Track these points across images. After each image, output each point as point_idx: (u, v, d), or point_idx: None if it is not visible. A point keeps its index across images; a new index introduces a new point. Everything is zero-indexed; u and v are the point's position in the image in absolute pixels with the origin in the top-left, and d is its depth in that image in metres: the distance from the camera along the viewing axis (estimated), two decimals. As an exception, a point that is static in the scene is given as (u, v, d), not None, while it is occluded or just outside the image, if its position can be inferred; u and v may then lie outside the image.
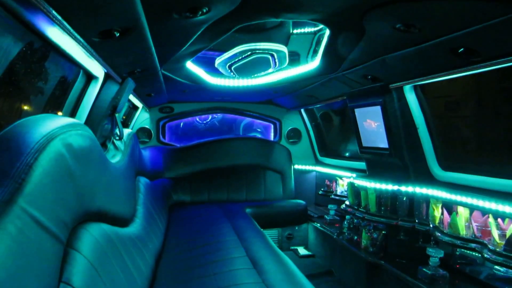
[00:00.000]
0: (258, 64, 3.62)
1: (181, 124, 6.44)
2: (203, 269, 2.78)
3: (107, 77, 2.83)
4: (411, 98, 3.43)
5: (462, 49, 2.36)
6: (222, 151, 5.80)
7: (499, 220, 2.69)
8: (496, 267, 2.95)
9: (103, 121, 3.02)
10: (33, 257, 1.15)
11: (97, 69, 2.64)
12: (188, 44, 2.72)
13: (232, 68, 3.64)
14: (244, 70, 3.75)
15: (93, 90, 2.79)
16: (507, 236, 2.61)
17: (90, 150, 1.75)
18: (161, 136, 6.00)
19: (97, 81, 2.77)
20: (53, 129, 1.42)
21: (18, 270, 1.05)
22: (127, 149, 3.29)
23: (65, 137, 1.47)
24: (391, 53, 2.77)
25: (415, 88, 3.40)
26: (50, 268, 1.26)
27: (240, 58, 3.42)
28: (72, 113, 2.75)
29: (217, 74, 4.33)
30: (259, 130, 6.67)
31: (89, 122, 2.84)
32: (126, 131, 3.72)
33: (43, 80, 2.16)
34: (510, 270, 2.91)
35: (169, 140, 6.18)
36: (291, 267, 2.80)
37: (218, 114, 6.52)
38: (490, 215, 2.76)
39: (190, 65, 3.81)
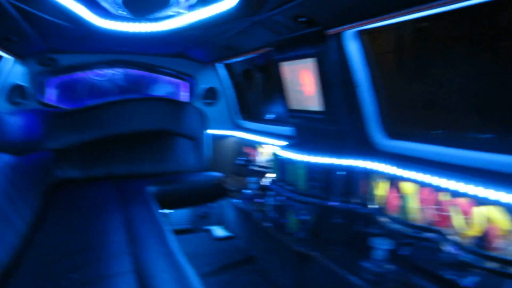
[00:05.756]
0: (154, -3, 2.66)
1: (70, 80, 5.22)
2: None
3: None
4: (353, 48, 2.78)
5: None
6: (123, 115, 4.79)
7: (457, 200, 2.21)
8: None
9: None
10: None
11: None
12: None
13: (118, -1, 2.63)
14: (135, 4, 2.75)
15: None
16: (474, 224, 2.07)
17: None
18: (40, 95, 4.77)
19: None
20: None
21: None
22: None
23: None
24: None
25: (360, 35, 2.70)
26: None
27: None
28: None
29: (110, 17, 3.25)
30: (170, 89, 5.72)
31: None
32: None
33: None
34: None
35: (53, 101, 5.02)
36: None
37: (119, 70, 5.43)
38: (442, 194, 2.30)
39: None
